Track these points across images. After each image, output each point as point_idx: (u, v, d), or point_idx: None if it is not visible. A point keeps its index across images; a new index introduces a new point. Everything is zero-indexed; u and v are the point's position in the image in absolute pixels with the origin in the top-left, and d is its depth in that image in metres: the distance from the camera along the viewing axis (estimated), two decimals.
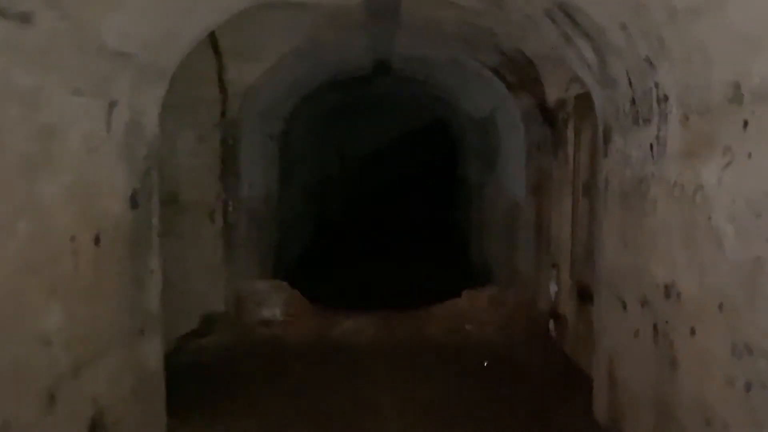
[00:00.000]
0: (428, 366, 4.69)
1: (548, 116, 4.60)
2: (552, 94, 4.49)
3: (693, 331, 2.31)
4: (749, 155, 1.90)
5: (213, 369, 4.64)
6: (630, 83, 2.99)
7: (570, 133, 4.38)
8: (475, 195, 8.29)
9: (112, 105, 2.68)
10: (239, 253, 5.38)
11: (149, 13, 2.67)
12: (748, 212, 1.90)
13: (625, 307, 3.14)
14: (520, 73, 4.71)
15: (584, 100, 4.18)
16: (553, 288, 4.61)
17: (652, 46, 2.51)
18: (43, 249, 2.19)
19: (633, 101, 3.00)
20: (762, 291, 1.84)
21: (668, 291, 2.55)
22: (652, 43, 2.49)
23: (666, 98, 2.55)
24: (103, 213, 2.65)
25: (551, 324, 4.67)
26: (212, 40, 4.86)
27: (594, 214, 4.14)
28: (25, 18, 1.96)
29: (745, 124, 1.92)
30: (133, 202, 2.97)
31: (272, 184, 7.16)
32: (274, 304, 5.23)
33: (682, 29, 2.21)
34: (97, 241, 2.56)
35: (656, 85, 2.62)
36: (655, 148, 2.71)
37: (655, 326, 2.68)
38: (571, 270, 4.38)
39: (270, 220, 6.94)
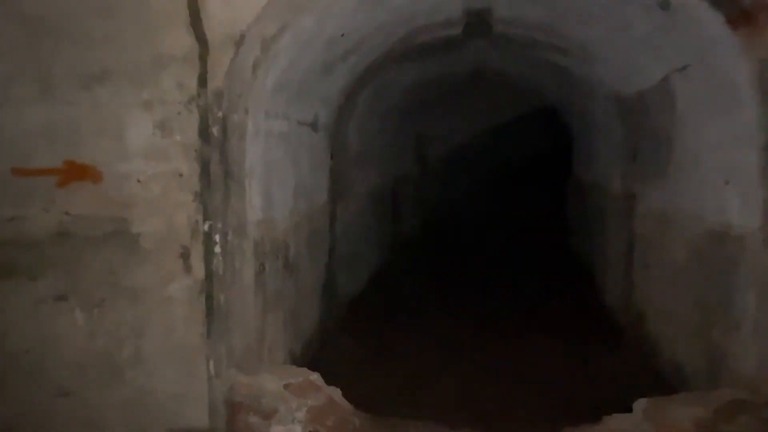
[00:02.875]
0: None
1: None
2: None
3: None
4: None
5: None
6: None
7: None
8: (615, 211, 5.77)
9: None
10: (237, 322, 3.24)
11: None
12: None
13: None
14: None
15: None
16: None
17: None
18: None
19: None
20: None
21: None
22: None
23: None
24: None
25: None
26: None
27: None
28: None
29: None
30: None
31: (316, 196, 5.01)
32: (292, 416, 3.05)
33: None
34: None
35: None
36: None
37: None
38: None
39: (311, 252, 4.78)
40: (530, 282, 7.44)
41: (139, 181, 3.02)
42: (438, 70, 7.02)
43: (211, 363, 3.06)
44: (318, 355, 4.60)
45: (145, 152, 3.00)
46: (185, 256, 3.03)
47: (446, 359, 4.86)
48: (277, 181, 3.90)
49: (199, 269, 3.04)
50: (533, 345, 5.15)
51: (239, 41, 2.94)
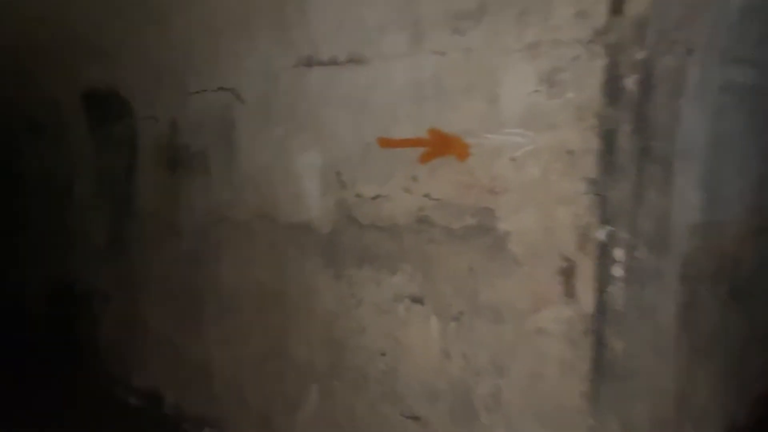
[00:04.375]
0: None
1: None
2: None
3: None
4: None
5: None
6: None
7: None
8: None
9: None
10: (643, 383, 2.14)
11: None
12: None
13: None
14: None
15: None
16: None
17: None
18: None
19: None
20: None
21: None
22: None
23: None
24: None
25: None
26: None
27: None
28: None
29: None
30: None
31: None
32: None
33: None
34: None
35: None
36: None
37: None
38: None
39: None
40: None
41: (511, 159, 2.17)
42: None
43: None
44: None
45: (522, 118, 2.13)
46: (567, 273, 2.07)
47: None
48: (730, 164, 2.54)
49: (586, 296, 2.04)
50: None
51: None
